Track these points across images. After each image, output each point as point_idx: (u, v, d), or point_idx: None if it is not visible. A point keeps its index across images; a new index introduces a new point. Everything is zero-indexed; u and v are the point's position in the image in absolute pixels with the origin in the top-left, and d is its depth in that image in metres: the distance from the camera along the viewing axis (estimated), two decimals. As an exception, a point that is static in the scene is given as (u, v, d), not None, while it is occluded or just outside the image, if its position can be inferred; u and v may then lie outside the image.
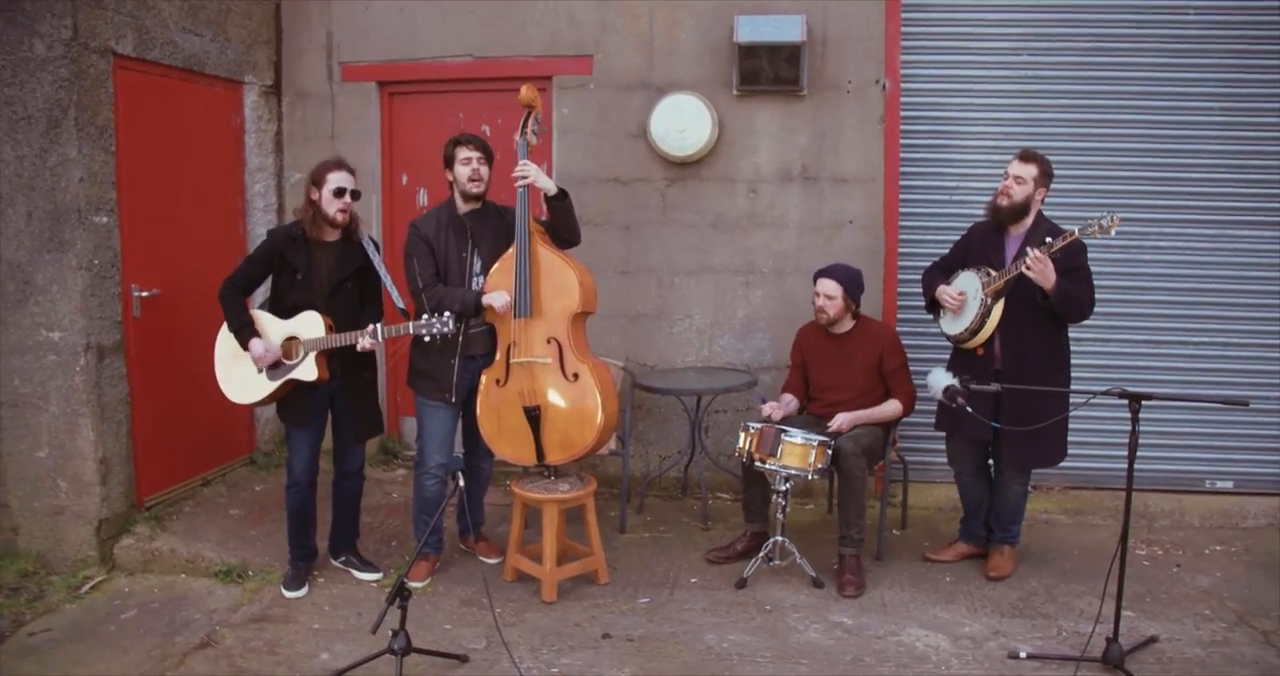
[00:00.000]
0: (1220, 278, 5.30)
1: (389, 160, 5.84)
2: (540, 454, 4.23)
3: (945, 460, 5.31)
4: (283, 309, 4.19)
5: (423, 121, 5.82)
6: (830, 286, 4.51)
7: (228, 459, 5.54)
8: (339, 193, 4.12)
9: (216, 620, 4.08)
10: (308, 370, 4.13)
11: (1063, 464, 4.47)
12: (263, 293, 4.34)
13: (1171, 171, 5.27)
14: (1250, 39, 5.19)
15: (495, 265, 4.26)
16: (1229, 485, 5.38)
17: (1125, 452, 5.29)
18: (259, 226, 5.67)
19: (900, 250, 5.44)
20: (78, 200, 4.32)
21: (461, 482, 3.52)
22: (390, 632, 3.41)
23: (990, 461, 4.56)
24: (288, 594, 4.29)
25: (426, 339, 4.04)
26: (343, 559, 4.53)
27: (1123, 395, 3.49)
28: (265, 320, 4.19)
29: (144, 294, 4.75)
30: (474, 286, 4.27)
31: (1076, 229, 3.86)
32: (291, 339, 4.15)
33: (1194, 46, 5.22)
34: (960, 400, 3.76)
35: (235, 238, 5.56)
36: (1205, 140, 5.25)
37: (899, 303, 5.46)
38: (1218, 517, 5.17)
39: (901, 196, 5.42)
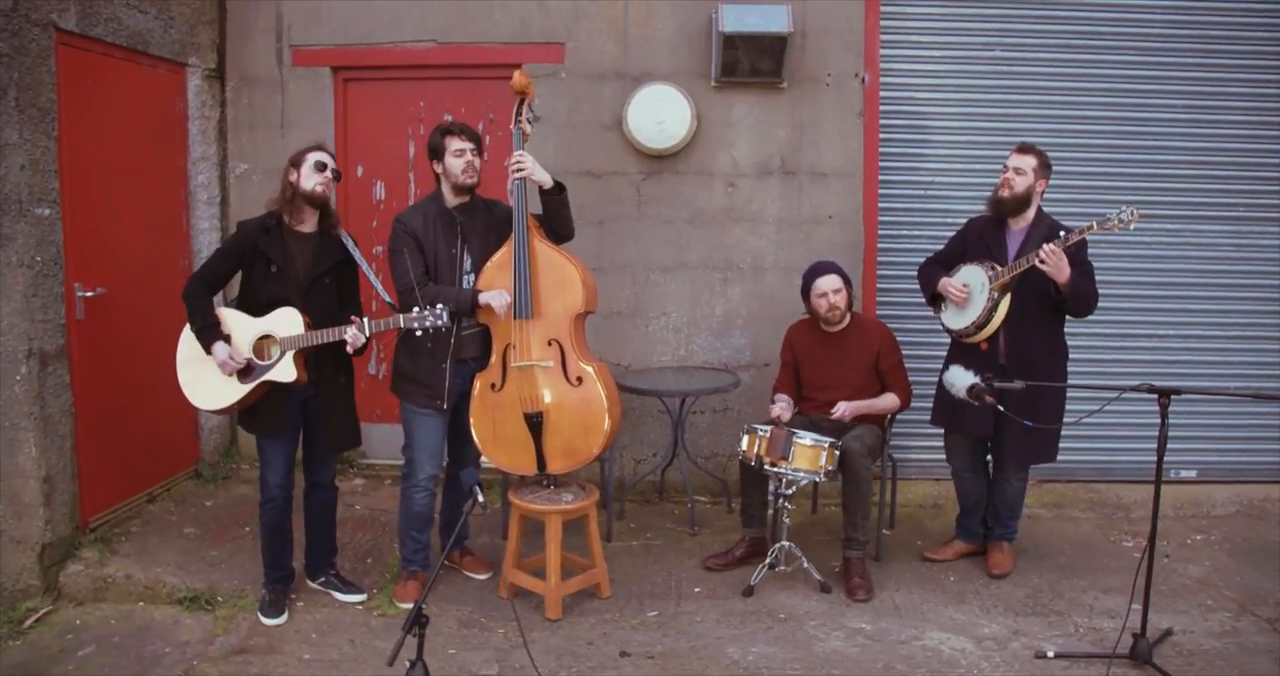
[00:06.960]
0: (1188, 271, 5.40)
1: (344, 151, 5.46)
2: (542, 463, 3.99)
3: (921, 457, 5.34)
4: (255, 305, 3.83)
5: (381, 110, 5.47)
6: (835, 280, 4.40)
7: (172, 472, 5.10)
8: (320, 166, 3.82)
9: (191, 654, 3.70)
10: (285, 371, 3.77)
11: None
12: (218, 302, 3.98)
13: (1144, 166, 5.33)
14: (1216, 39, 5.30)
15: (490, 262, 3.99)
16: (1192, 474, 5.49)
17: (1095, 445, 5.44)
18: (202, 220, 5.25)
19: (880, 245, 5.37)
20: (18, 190, 3.87)
21: (480, 497, 3.26)
22: (407, 663, 3.13)
23: (988, 457, 4.52)
24: (266, 621, 3.93)
25: (418, 332, 3.74)
26: (322, 580, 4.19)
27: (1151, 390, 3.46)
28: (236, 318, 3.82)
29: (88, 294, 4.31)
30: (464, 285, 4.00)
31: (1095, 223, 3.81)
32: (265, 337, 3.80)
33: (1160, 45, 5.31)
34: (989, 398, 3.68)
35: (179, 232, 5.12)
36: (1174, 136, 5.32)
37: (879, 298, 5.39)
38: (1189, 507, 5.27)
39: (881, 191, 5.35)
